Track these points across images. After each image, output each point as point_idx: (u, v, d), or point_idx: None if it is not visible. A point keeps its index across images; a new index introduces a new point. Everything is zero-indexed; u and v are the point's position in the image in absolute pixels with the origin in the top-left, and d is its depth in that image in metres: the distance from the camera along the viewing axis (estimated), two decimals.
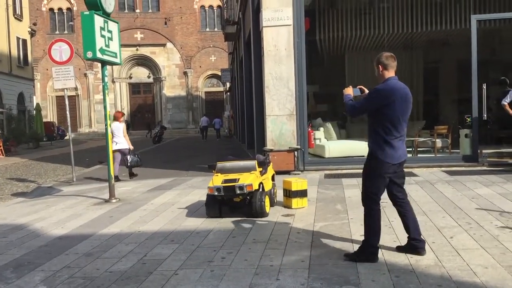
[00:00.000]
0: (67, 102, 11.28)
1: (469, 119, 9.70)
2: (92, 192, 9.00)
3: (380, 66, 4.37)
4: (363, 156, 10.66)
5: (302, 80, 9.98)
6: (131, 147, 11.03)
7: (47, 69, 50.03)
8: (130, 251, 4.90)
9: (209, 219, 6.10)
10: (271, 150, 9.82)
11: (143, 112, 51.94)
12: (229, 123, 37.20)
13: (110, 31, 7.74)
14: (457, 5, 10.40)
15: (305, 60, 10.01)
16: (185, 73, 52.16)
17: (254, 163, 6.36)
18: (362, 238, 4.91)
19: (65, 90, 11.19)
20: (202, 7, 52.81)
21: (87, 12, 7.31)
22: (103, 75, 7.77)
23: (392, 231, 5.17)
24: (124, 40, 47.77)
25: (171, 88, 52.20)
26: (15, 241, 5.58)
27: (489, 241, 4.61)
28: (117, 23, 8.03)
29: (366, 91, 4.57)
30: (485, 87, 9.49)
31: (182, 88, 52.41)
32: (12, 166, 18.20)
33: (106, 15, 7.65)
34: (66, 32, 49.60)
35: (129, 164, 10.57)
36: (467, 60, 9.65)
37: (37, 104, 33.68)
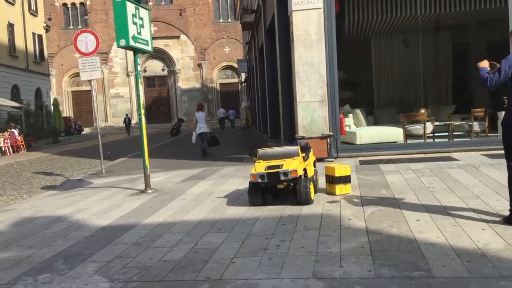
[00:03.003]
0: (94, 94, 11.23)
1: (506, 101, 9.37)
2: (125, 184, 8.91)
3: None
4: (395, 142, 10.59)
5: (333, 66, 9.76)
6: (211, 131, 14.01)
7: (62, 65, 50.35)
8: (179, 240, 4.77)
9: (253, 207, 5.94)
10: (303, 138, 9.60)
11: (158, 105, 51.99)
12: (246, 114, 37.02)
13: (141, 18, 7.60)
14: None
15: (335, 44, 9.78)
16: (199, 65, 52.06)
17: (296, 148, 6.18)
18: (418, 222, 4.77)
19: (92, 81, 11.08)
20: None
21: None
22: (136, 63, 7.65)
23: (448, 215, 4.96)
24: None
25: (186, 80, 52.15)
26: (58, 232, 5.48)
27: None
28: (148, 10, 7.88)
29: (498, 65, 4.48)
30: None
31: (196, 80, 52.34)
32: (36, 160, 18.25)
33: (137, 2, 7.49)
34: (80, 26, 49.64)
35: (211, 145, 13.70)
36: (501, 40, 9.36)
37: (55, 99, 33.81)
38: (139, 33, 7.51)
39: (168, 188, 7.94)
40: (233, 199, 6.61)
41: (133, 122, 48.69)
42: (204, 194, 7.15)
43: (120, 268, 4.07)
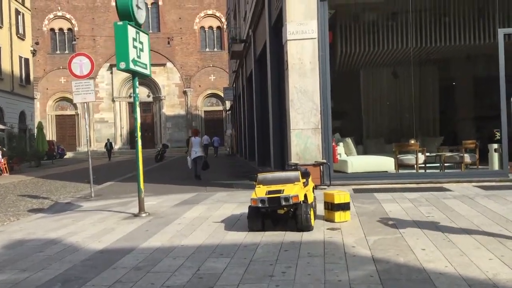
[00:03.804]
0: (86, 117, 11.11)
1: (498, 134, 9.57)
2: (116, 207, 8.74)
3: None
4: (386, 171, 10.64)
5: (327, 94, 9.85)
6: (204, 155, 15.01)
7: (47, 88, 50.01)
8: (181, 265, 4.65)
9: (252, 233, 5.85)
10: (296, 165, 9.58)
11: (143, 131, 51.28)
12: (231, 142, 37.03)
13: (141, 42, 7.59)
14: (481, 19, 10.36)
15: (329, 73, 9.90)
16: (184, 92, 52.20)
17: (297, 174, 6.15)
18: (424, 251, 4.74)
19: (85, 104, 10.97)
20: (202, 28, 53.16)
21: (121, 23, 7.16)
22: (134, 87, 7.61)
23: (452, 245, 4.94)
24: None
25: (171, 107, 52.16)
26: (53, 255, 5.30)
27: None
28: (148, 34, 7.89)
29: None
30: None
31: (181, 107, 52.40)
32: (20, 183, 17.88)
33: (138, 26, 7.50)
34: (67, 52, 49.67)
35: (202, 169, 14.45)
36: (487, 76, 9.59)
37: (40, 122, 33.39)
38: (139, 57, 7.49)
39: (162, 212, 7.80)
40: (230, 224, 6.51)
41: (116, 147, 48.35)
42: (200, 218, 7.04)
43: None
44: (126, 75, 48.25)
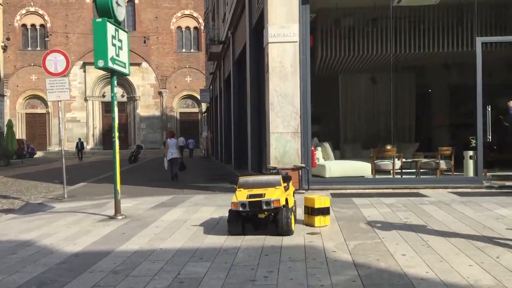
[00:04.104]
0: (61, 116, 10.80)
1: (473, 141, 9.72)
2: (91, 209, 8.53)
3: None
4: (363, 176, 10.70)
5: (307, 98, 9.85)
6: (180, 157, 15.36)
7: (17, 86, 48.84)
8: (160, 269, 4.55)
9: (232, 237, 5.78)
10: (275, 168, 9.55)
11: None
12: (206, 144, 36.82)
13: (120, 40, 7.44)
14: (459, 27, 10.54)
15: (309, 77, 9.91)
16: (160, 93, 51.69)
17: (278, 178, 6.10)
18: (404, 256, 4.75)
19: (59, 103, 10.71)
20: (179, 28, 52.77)
21: (100, 20, 7.01)
22: (113, 86, 7.45)
23: (432, 250, 4.96)
24: None
25: (146, 107, 51.57)
26: (27, 257, 5.12)
27: None
28: (127, 32, 7.74)
29: None
30: (489, 109, 9.55)
31: (156, 108, 51.86)
32: None
33: (118, 24, 7.35)
34: (38, 48, 48.65)
35: (179, 169, 14.74)
36: (466, 83, 9.75)
37: (9, 121, 32.60)
38: (118, 55, 7.35)
39: (139, 214, 7.65)
40: (209, 227, 6.42)
41: (88, 147, 47.51)
42: (178, 221, 6.92)
43: None
44: (99, 73, 47.56)
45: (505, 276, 4.06)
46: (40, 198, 11.35)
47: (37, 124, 49.57)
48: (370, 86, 13.87)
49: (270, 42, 9.84)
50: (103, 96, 50.06)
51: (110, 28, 7.11)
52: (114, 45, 7.22)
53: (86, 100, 49.51)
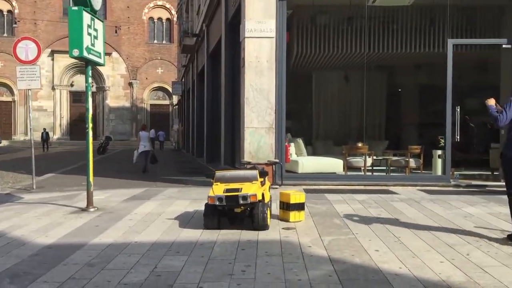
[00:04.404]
0: (30, 104, 10.55)
1: (442, 141, 9.97)
2: (61, 200, 8.38)
3: None
4: (334, 172, 10.83)
5: (282, 94, 9.91)
6: (152, 149, 15.51)
7: None
8: (136, 262, 4.52)
9: (208, 231, 5.78)
10: (249, 163, 9.58)
11: (83, 122, 49.88)
12: (177, 137, 36.56)
13: (96, 30, 7.32)
14: (431, 28, 10.77)
15: (285, 73, 9.96)
16: (130, 84, 50.98)
17: (255, 173, 6.13)
18: (377, 252, 4.86)
19: (29, 91, 10.45)
20: (151, 18, 52.10)
21: (76, 8, 6.87)
22: (87, 76, 7.32)
23: (404, 247, 5.09)
24: (67, 47, 46.03)
25: (115, 98, 50.78)
26: None
27: (506, 259, 4.61)
28: (102, 21, 7.62)
29: (501, 108, 5.19)
30: (458, 110, 9.80)
31: (126, 99, 51.13)
32: None
33: (94, 12, 7.22)
34: (5, 35, 47.31)
35: (150, 162, 14.96)
36: (436, 83, 9.98)
37: None
38: (93, 45, 7.23)
39: (112, 207, 7.56)
40: (184, 221, 6.41)
41: (55, 137, 46.50)
42: (152, 215, 6.88)
43: None
44: (68, 62, 46.56)
45: (476, 273, 4.19)
46: (7, 188, 11.09)
47: (2, 113, 48.20)
48: (343, 84, 14.04)
49: (247, 37, 9.84)
50: (72, 85, 49.09)
51: (86, 17, 6.98)
52: (89, 34, 7.10)
53: (53, 89, 48.41)
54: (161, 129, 39.44)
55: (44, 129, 38.08)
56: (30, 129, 10.73)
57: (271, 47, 9.79)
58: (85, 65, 7.34)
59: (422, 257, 4.68)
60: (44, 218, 6.74)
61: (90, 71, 7.38)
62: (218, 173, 6.19)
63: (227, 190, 5.75)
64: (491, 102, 5.25)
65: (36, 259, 4.67)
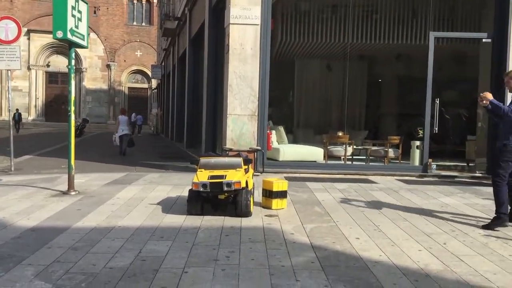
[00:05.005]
0: (9, 84, 10.36)
1: (421, 132, 10.16)
2: (41, 183, 8.31)
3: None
4: (315, 161, 10.96)
5: (265, 81, 9.92)
6: (130, 133, 16.09)
7: None
8: (121, 247, 4.55)
9: (191, 216, 5.83)
10: (231, 150, 9.63)
11: (59, 103, 49.11)
12: (156, 121, 36.31)
13: (80, 12, 7.23)
14: (414, 20, 10.91)
15: (269, 61, 9.99)
16: (108, 66, 50.23)
17: (239, 160, 6.19)
18: (358, 240, 4.98)
19: (8, 72, 10.26)
20: (130, 0, 51.25)
21: None
22: (70, 58, 7.23)
23: (384, 235, 5.22)
24: (44, 26, 45.16)
25: (92, 80, 49.97)
26: None
27: (482, 248, 4.78)
28: (87, 3, 7.51)
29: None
30: (437, 102, 9.99)
31: (104, 81, 50.38)
32: None
33: None
34: None
35: (127, 145, 15.33)
36: (416, 75, 10.14)
37: None
38: (77, 27, 7.14)
39: (93, 191, 7.53)
40: (167, 206, 6.44)
41: (29, 118, 45.66)
42: (135, 199, 6.89)
43: (62, 273, 3.80)
44: (44, 41, 45.63)
45: (452, 262, 4.34)
46: None
47: None
48: (325, 73, 14.14)
49: (232, 24, 9.80)
50: (48, 65, 48.10)
51: None
52: (73, 16, 7.01)
53: (29, 69, 47.37)
54: (139, 113, 39.10)
55: (17, 109, 37.00)
56: (9, 110, 10.54)
57: (255, 34, 9.78)
58: (68, 47, 7.23)
59: (401, 245, 4.81)
60: (25, 200, 6.69)
61: (74, 54, 7.28)
62: (203, 160, 6.23)
63: (212, 177, 5.79)
64: (490, 95, 5.46)
65: (19, 241, 4.66)
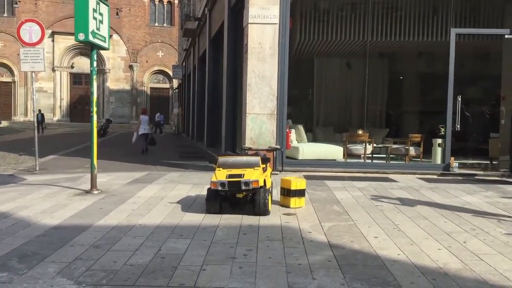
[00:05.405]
0: (34, 86, 10.61)
1: (443, 129, 10.05)
2: (65, 182, 8.49)
3: None
4: (334, 159, 10.93)
5: (284, 80, 9.95)
6: (152, 132, 16.89)
7: None
8: (141, 244, 4.63)
9: (210, 215, 5.90)
10: (250, 149, 9.69)
11: (84, 104, 49.91)
12: (177, 120, 36.61)
13: (101, 14, 7.36)
14: (435, 17, 10.78)
15: (287, 60, 10.00)
16: (130, 67, 50.78)
17: (258, 159, 6.23)
18: (376, 239, 4.95)
19: (33, 73, 10.50)
20: (152, 1, 51.72)
21: None
22: (92, 60, 7.37)
23: (403, 234, 5.20)
24: (68, 28, 45.88)
25: (115, 81, 50.62)
26: (4, 229, 5.12)
27: (502, 247, 4.73)
28: (108, 6, 7.65)
29: None
30: (459, 99, 9.86)
31: (126, 82, 50.96)
32: None
33: None
34: (5, 15, 46.96)
35: (148, 144, 15.97)
36: (437, 72, 10.01)
37: None
38: (98, 29, 7.27)
39: (115, 190, 7.67)
40: (187, 205, 6.52)
41: (54, 119, 46.49)
42: (155, 198, 6.99)
43: (84, 271, 3.89)
44: (68, 43, 46.37)
45: (472, 260, 4.31)
46: (10, 169, 11.19)
47: (2, 93, 48.09)
48: (345, 71, 14.06)
49: (250, 23, 9.85)
50: (72, 67, 48.88)
51: (92, 1, 7.01)
52: (95, 18, 7.13)
53: (54, 70, 48.21)
54: (160, 112, 39.43)
55: (40, 110, 37.10)
56: (34, 111, 10.79)
57: (274, 33, 9.81)
58: (90, 49, 7.36)
59: (420, 244, 4.79)
60: (48, 199, 6.85)
61: (95, 55, 7.41)
62: (221, 159, 6.28)
63: (230, 176, 5.84)
64: None
65: (43, 239, 4.78)
